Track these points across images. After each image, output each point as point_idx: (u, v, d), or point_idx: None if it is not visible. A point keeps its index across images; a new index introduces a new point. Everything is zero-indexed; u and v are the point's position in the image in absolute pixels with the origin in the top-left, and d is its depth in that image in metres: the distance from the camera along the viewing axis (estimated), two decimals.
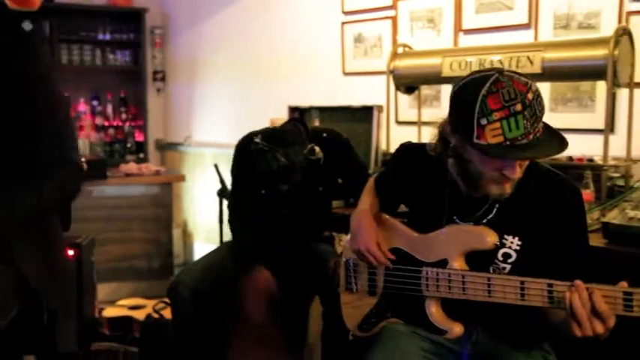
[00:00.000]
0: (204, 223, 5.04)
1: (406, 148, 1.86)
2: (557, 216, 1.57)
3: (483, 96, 1.41)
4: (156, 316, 3.12)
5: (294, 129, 2.41)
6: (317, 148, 2.37)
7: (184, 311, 2.41)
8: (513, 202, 1.58)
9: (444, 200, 1.67)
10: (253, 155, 2.30)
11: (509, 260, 1.60)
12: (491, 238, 1.58)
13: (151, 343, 3.01)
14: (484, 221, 1.62)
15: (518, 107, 1.38)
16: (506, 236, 1.60)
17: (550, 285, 1.43)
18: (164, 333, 2.92)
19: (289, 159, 2.24)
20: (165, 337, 2.88)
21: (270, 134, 2.37)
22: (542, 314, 1.56)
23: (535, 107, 1.40)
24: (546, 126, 1.48)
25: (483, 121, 1.41)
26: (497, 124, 1.39)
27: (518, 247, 1.59)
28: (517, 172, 1.48)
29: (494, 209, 1.61)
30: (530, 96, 1.40)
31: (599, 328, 1.35)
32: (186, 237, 5.31)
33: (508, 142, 1.40)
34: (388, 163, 1.92)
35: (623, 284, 1.36)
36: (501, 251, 1.60)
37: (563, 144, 1.46)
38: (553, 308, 1.45)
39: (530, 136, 1.41)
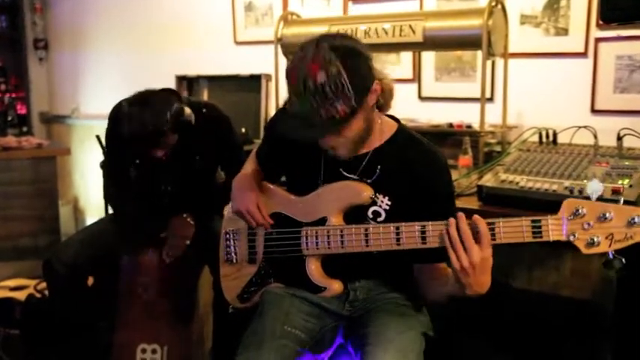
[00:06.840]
0: (96, 199, 4.78)
1: (279, 115, 1.85)
2: (423, 179, 1.61)
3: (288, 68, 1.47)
4: (38, 295, 2.98)
5: (162, 93, 2.31)
6: (187, 109, 2.25)
7: (60, 288, 2.31)
8: (384, 163, 1.63)
9: (320, 162, 1.68)
10: (122, 122, 2.19)
11: (379, 219, 1.64)
12: (367, 192, 1.62)
13: (32, 324, 2.87)
14: (369, 181, 1.64)
15: (301, 88, 1.41)
16: (377, 194, 1.64)
17: (423, 227, 1.48)
18: (46, 313, 2.79)
19: (155, 122, 2.13)
20: (47, 316, 2.75)
21: (137, 99, 2.25)
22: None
23: (327, 89, 1.39)
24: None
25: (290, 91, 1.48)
26: (295, 97, 1.45)
27: (387, 207, 1.63)
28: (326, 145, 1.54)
29: (377, 170, 1.64)
30: (320, 77, 1.39)
31: (476, 256, 1.39)
32: (78, 213, 5.09)
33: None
34: (264, 132, 1.92)
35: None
36: (371, 209, 1.64)
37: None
38: (426, 247, 1.49)
39: (323, 113, 1.42)
